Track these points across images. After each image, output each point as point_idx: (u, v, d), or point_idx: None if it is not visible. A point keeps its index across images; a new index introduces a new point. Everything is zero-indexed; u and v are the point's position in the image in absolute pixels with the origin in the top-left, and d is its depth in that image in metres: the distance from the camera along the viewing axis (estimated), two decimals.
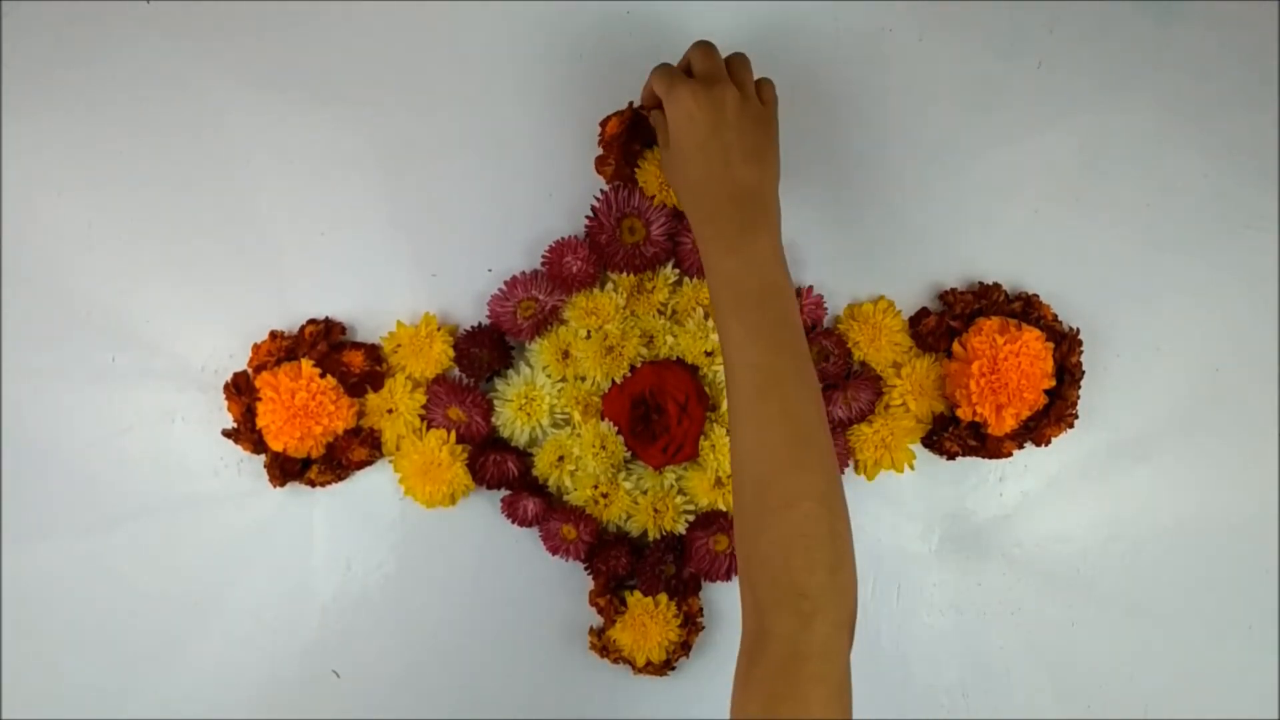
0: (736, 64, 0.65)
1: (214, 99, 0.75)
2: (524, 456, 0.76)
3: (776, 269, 0.62)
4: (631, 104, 0.70)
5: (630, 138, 0.71)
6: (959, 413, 0.74)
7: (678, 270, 0.74)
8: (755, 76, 0.66)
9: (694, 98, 0.62)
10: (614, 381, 0.74)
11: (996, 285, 0.75)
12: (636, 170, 0.72)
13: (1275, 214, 0.77)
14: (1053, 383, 0.73)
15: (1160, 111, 0.76)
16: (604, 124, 0.70)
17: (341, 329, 0.76)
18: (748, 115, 0.63)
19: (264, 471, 0.75)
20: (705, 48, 0.65)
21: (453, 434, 0.74)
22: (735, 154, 0.62)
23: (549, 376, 0.75)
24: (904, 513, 0.78)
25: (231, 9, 0.74)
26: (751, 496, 0.58)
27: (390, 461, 0.76)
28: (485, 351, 0.74)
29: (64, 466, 0.77)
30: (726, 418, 0.74)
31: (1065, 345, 0.74)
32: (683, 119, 0.62)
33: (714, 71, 0.64)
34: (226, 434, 0.75)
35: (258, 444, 0.74)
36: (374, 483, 0.77)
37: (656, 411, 0.74)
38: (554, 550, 0.76)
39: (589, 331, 0.74)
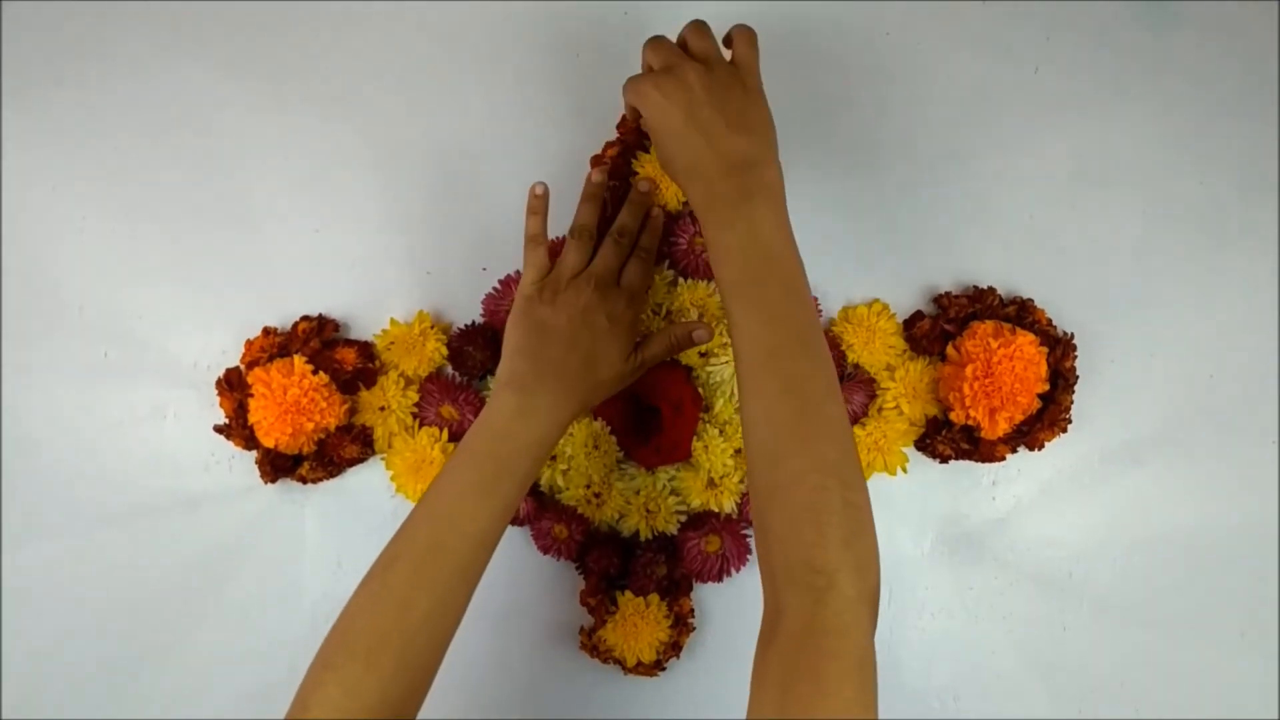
0: (692, 38, 0.64)
1: (208, 96, 0.75)
2: None
3: (776, 236, 0.60)
4: (620, 136, 0.72)
5: (644, 137, 0.72)
6: (952, 416, 0.74)
7: (673, 270, 0.74)
8: (734, 45, 0.65)
9: (657, 87, 0.61)
10: None
11: (991, 289, 0.75)
12: (632, 175, 0.72)
13: (1271, 221, 0.77)
14: (1046, 387, 0.73)
15: (1156, 118, 0.76)
16: (604, 150, 0.72)
17: (335, 326, 0.76)
18: (718, 84, 0.61)
19: (255, 468, 0.75)
20: (653, 42, 0.64)
21: (445, 432, 0.74)
22: (716, 128, 0.60)
23: None
24: (896, 516, 0.78)
25: (227, 8, 0.74)
26: (761, 473, 0.57)
27: (382, 459, 0.76)
28: (479, 350, 0.74)
29: (55, 461, 0.77)
30: (720, 419, 0.75)
31: (1059, 350, 0.74)
32: (655, 112, 0.61)
33: (669, 58, 0.62)
34: (218, 430, 0.75)
35: (249, 440, 0.74)
36: (365, 480, 0.77)
37: (650, 412, 0.74)
38: (545, 549, 0.76)
39: None
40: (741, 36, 0.64)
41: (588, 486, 0.75)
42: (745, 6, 0.74)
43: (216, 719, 0.78)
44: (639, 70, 0.67)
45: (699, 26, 0.64)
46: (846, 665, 0.51)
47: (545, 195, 0.69)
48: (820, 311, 0.75)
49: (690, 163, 0.61)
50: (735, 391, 0.74)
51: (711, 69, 0.62)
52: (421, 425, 0.75)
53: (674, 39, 0.65)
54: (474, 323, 0.75)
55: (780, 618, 0.53)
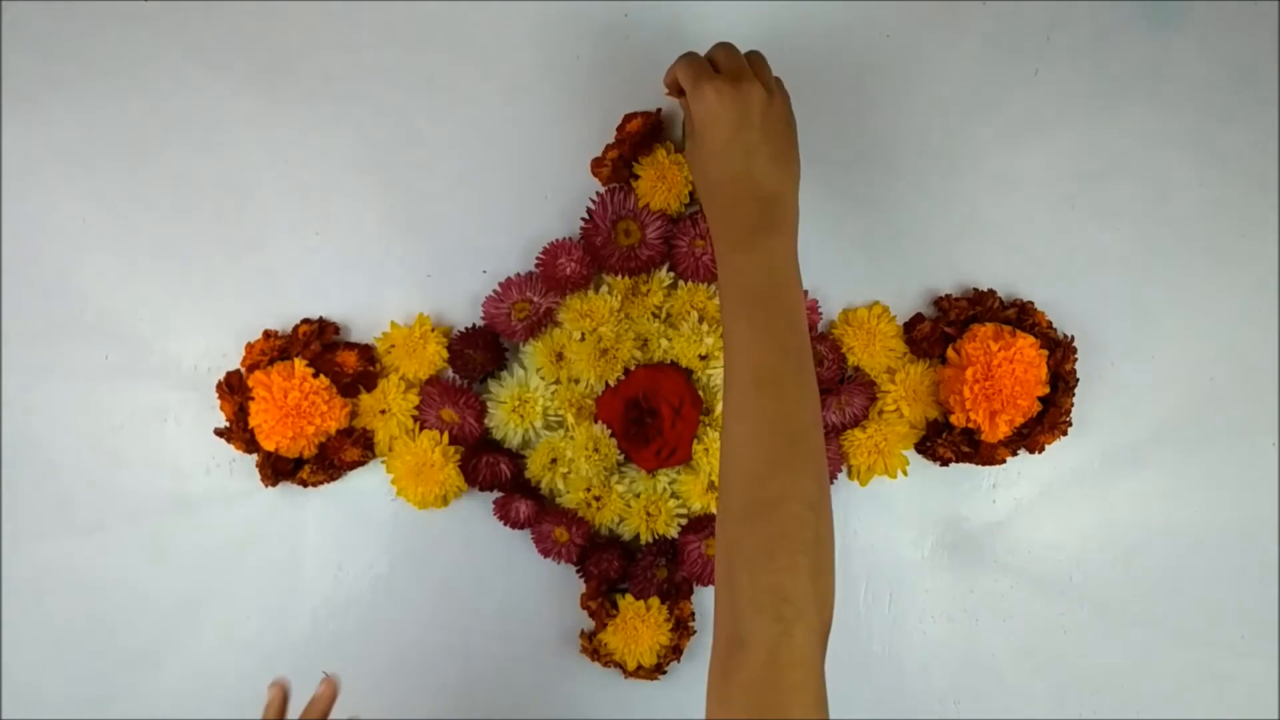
0: (757, 61, 0.65)
1: (210, 99, 0.75)
2: (517, 458, 0.75)
3: (788, 269, 0.61)
4: (659, 110, 0.71)
5: (646, 139, 0.71)
6: (953, 419, 0.74)
7: (673, 273, 0.74)
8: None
9: (719, 95, 0.61)
10: (608, 384, 0.74)
11: (991, 292, 0.75)
12: (633, 179, 0.72)
13: (1272, 223, 0.77)
14: (1047, 390, 0.73)
15: (1157, 119, 0.76)
16: (627, 120, 0.70)
17: (335, 329, 0.76)
18: (772, 115, 0.62)
19: (256, 471, 0.75)
20: (728, 47, 0.64)
21: (445, 435, 0.74)
22: (758, 155, 0.61)
23: (543, 378, 0.74)
24: (897, 519, 0.78)
25: (228, 9, 0.74)
26: (739, 494, 0.57)
27: (383, 462, 0.76)
28: (479, 353, 0.74)
29: (55, 462, 0.77)
30: (720, 421, 0.74)
31: (1060, 352, 0.73)
32: (707, 117, 0.61)
33: (739, 68, 0.63)
34: (219, 433, 0.75)
35: (250, 443, 0.74)
36: (366, 483, 0.77)
37: (650, 415, 0.74)
38: (546, 553, 0.76)
39: (583, 334, 0.74)
40: (781, 81, 0.66)
41: (588, 490, 0.75)
42: (745, 7, 0.74)
43: (216, 719, 0.79)
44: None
45: (763, 57, 0.65)
46: (810, 699, 0.52)
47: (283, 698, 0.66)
48: (820, 314, 0.75)
49: (722, 177, 0.62)
50: None
51: (771, 98, 0.62)
52: (422, 428, 0.75)
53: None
54: (474, 325, 0.75)
55: (743, 646, 0.53)
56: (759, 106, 0.61)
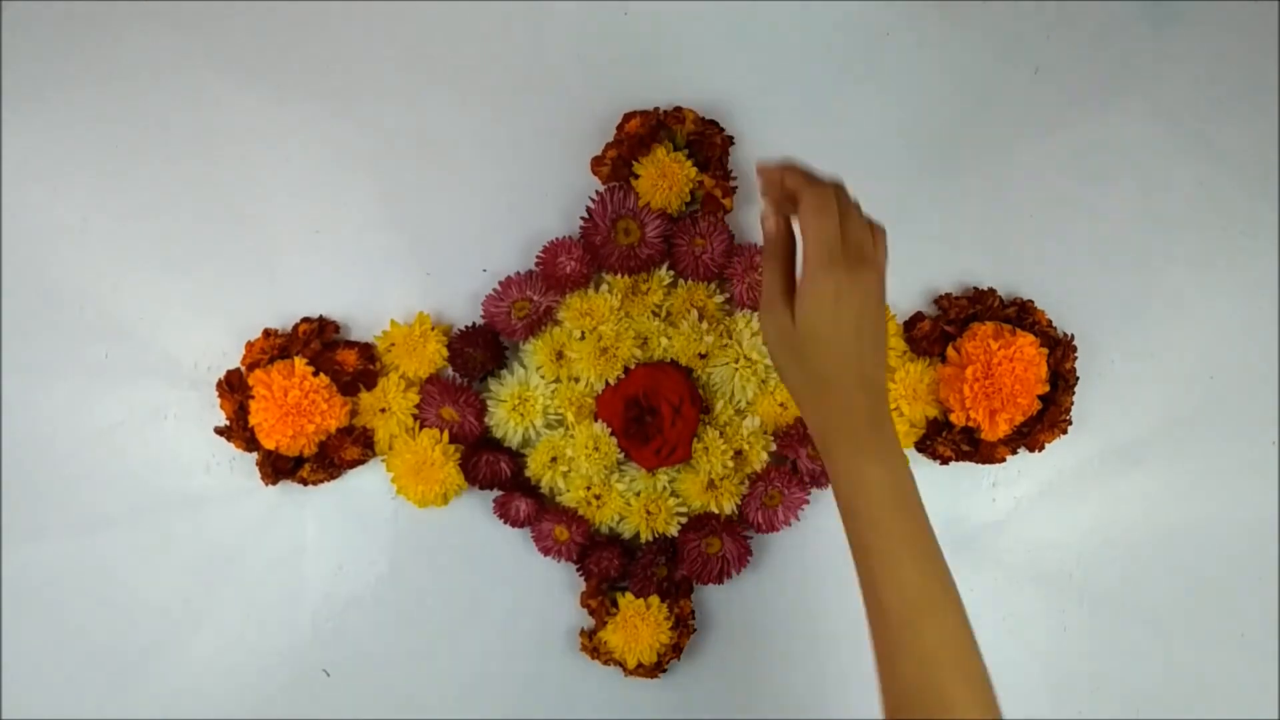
0: (881, 237, 0.56)
1: (209, 97, 0.75)
2: (517, 457, 0.75)
3: (906, 467, 0.55)
4: (659, 109, 0.70)
5: (646, 139, 0.71)
6: (952, 417, 0.74)
7: (672, 272, 0.74)
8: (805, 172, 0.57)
9: (837, 285, 0.53)
10: (608, 383, 0.74)
11: (991, 290, 0.75)
12: (633, 178, 0.72)
13: (1271, 221, 0.77)
14: (1047, 388, 0.73)
15: (1157, 118, 0.76)
16: (626, 119, 0.70)
17: (335, 327, 0.76)
18: (880, 297, 0.55)
19: (256, 469, 0.75)
20: (852, 209, 0.55)
21: (446, 434, 0.74)
22: (868, 347, 0.54)
23: (543, 377, 0.74)
24: None
25: (228, 7, 0.74)
26: None
27: (383, 461, 0.76)
28: (479, 351, 0.74)
29: (55, 461, 0.77)
30: (720, 420, 0.75)
31: (1059, 351, 0.74)
32: (821, 308, 0.53)
33: (863, 247, 0.54)
34: (219, 431, 0.75)
35: (250, 442, 0.74)
36: (366, 482, 0.77)
37: (650, 413, 0.74)
38: (546, 551, 0.76)
39: (583, 332, 0.74)
40: (882, 239, 0.57)
41: (588, 488, 0.75)
42: (745, 7, 0.74)
43: (216, 719, 0.78)
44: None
45: (880, 227, 0.57)
46: None
47: None
48: None
49: (833, 374, 0.54)
50: (735, 393, 0.74)
51: (882, 277, 0.55)
52: (422, 426, 0.75)
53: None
54: (474, 324, 0.75)
55: None
56: (876, 298, 0.54)
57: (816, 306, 0.53)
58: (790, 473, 0.75)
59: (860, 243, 0.54)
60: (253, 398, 0.73)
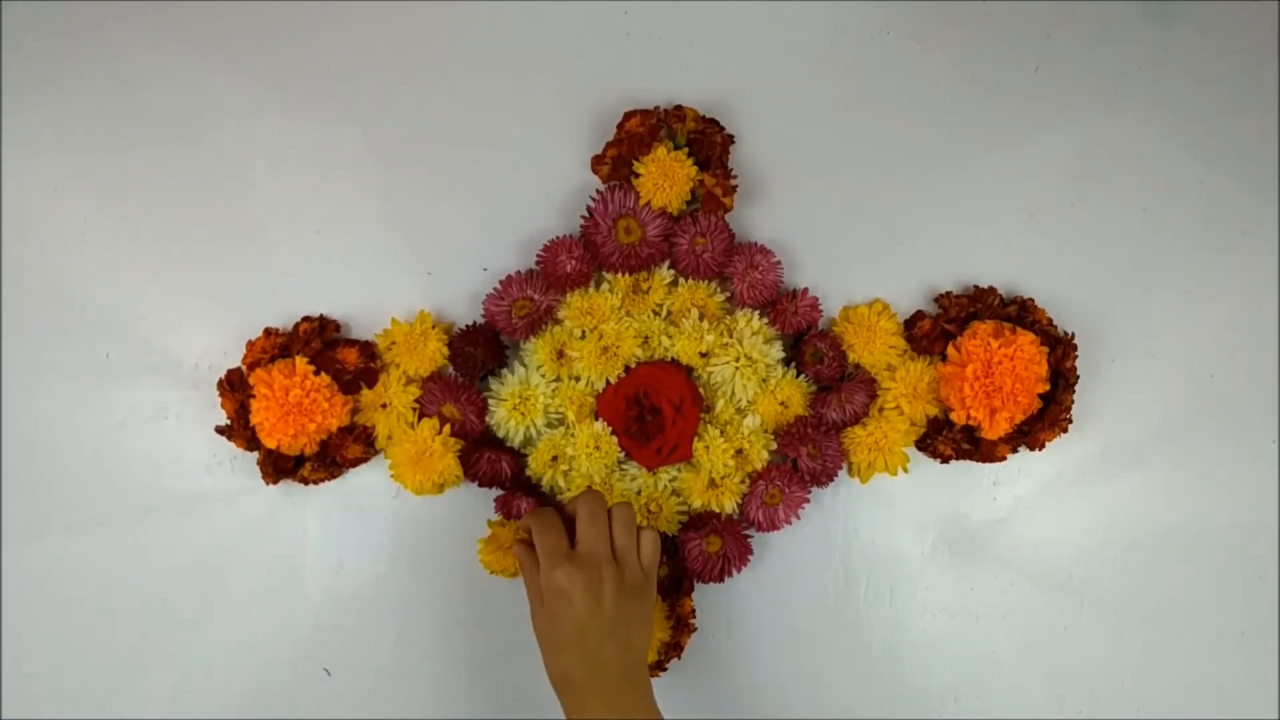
0: (619, 525, 0.65)
1: (210, 96, 0.75)
2: (518, 456, 0.75)
3: None
4: (659, 108, 0.70)
5: (646, 138, 0.71)
6: (953, 416, 0.74)
7: (673, 271, 0.74)
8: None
9: (571, 581, 0.62)
10: (609, 382, 0.74)
11: (991, 289, 0.75)
12: (633, 177, 0.72)
13: (1272, 219, 0.77)
14: (1047, 387, 0.73)
15: (1157, 116, 0.76)
16: (627, 118, 0.70)
17: (336, 326, 0.76)
18: (624, 592, 0.63)
19: (257, 469, 0.75)
20: (593, 506, 0.65)
21: (446, 427, 0.74)
22: (606, 637, 0.62)
23: (544, 376, 0.74)
24: (897, 516, 0.78)
25: (228, 8, 0.74)
26: None
27: (383, 452, 0.76)
28: (480, 350, 0.74)
29: (55, 461, 0.77)
30: (721, 419, 0.75)
31: (1060, 349, 0.74)
32: (558, 601, 0.62)
33: (596, 546, 0.64)
34: (220, 431, 0.75)
35: (251, 441, 0.74)
36: (367, 481, 0.77)
37: (651, 412, 0.74)
38: None
39: (584, 331, 0.74)
40: (649, 542, 0.66)
41: (589, 487, 0.75)
42: (745, 7, 0.74)
43: (216, 719, 0.78)
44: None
45: (627, 516, 0.66)
46: None
47: None
48: (820, 311, 0.75)
49: (574, 659, 0.62)
50: (735, 392, 0.74)
51: (624, 573, 0.64)
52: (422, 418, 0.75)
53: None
54: (475, 323, 0.75)
55: None
56: (610, 591, 0.62)
57: (549, 592, 0.63)
58: (791, 471, 0.75)
59: (591, 545, 0.63)
60: (254, 397, 0.73)
